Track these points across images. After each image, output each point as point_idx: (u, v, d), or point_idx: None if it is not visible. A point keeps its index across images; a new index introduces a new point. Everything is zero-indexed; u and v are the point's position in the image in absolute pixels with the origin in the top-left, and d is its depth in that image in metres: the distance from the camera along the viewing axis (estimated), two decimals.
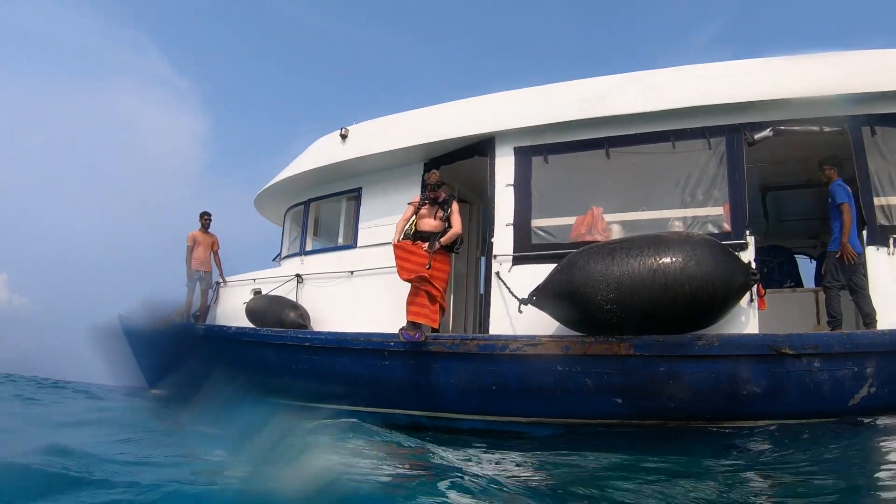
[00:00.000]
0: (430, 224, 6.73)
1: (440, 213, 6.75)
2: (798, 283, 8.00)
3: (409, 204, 7.08)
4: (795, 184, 7.83)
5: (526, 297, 5.92)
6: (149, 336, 8.92)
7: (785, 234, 9.44)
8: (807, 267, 9.04)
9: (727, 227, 5.89)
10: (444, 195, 6.89)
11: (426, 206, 6.87)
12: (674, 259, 5.15)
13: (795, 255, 8.91)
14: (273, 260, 9.92)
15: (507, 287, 6.36)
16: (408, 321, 6.49)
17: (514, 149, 6.87)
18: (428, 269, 6.48)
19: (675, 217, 6.13)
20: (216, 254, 9.78)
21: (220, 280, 9.72)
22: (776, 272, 7.88)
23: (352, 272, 8.05)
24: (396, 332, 6.44)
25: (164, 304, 9.55)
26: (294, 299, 8.37)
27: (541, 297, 5.82)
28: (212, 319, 9.51)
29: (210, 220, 9.86)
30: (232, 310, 9.12)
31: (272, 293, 8.53)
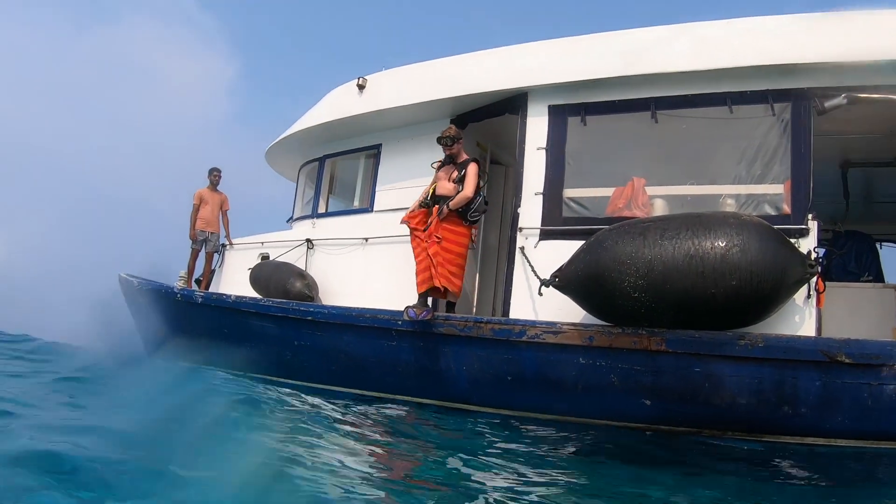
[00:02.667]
0: (444, 187, 6.67)
1: (455, 175, 6.67)
2: (878, 276, 7.64)
3: (431, 166, 7.06)
4: (883, 160, 7.43)
5: (548, 278, 5.83)
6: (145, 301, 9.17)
7: (873, 218, 9.02)
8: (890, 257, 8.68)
9: (787, 208, 5.63)
10: (464, 155, 6.80)
11: (444, 168, 6.82)
12: (715, 244, 4.93)
13: (881, 245, 8.55)
14: (287, 221, 10.02)
15: (530, 265, 6.27)
16: (419, 296, 6.52)
17: (549, 107, 6.71)
18: (424, 231, 6.54)
19: (727, 194, 5.89)
20: (225, 214, 9.94)
21: (227, 242, 9.88)
22: (852, 262, 7.54)
23: (366, 239, 8.08)
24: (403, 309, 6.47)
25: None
26: (303, 267, 8.46)
27: (564, 278, 5.70)
28: (216, 285, 9.72)
29: (220, 178, 10.02)
30: (237, 276, 9.29)
31: (280, 258, 8.64)
